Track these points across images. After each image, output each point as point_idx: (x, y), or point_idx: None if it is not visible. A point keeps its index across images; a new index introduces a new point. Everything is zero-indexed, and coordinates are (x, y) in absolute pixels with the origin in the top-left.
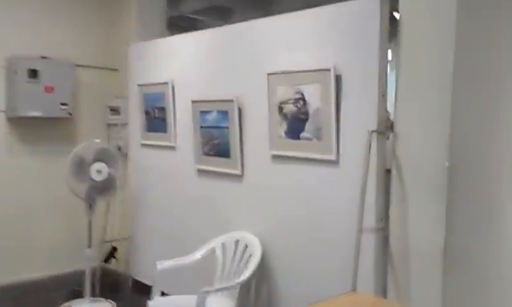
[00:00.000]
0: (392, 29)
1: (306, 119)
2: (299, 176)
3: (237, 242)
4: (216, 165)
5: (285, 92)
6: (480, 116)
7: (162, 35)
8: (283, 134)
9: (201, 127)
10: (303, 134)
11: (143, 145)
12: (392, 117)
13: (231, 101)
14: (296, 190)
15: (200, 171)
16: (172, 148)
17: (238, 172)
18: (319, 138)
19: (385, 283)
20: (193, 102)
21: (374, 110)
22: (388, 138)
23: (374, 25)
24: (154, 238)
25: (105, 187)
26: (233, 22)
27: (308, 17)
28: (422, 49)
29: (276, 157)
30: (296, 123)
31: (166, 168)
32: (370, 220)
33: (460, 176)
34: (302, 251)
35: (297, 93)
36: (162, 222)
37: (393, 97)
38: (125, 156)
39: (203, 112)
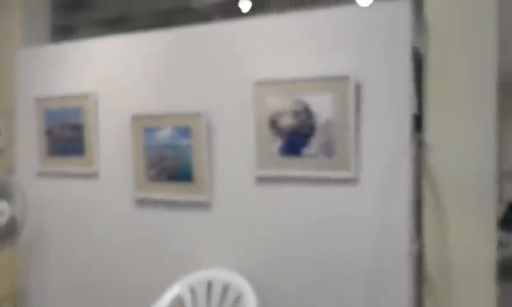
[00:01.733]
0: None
1: (311, 134)
2: (301, 199)
3: (209, 283)
4: (169, 191)
5: (279, 103)
6: None
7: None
8: (275, 151)
9: (147, 147)
10: (305, 150)
11: (42, 174)
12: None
13: (197, 115)
14: (295, 217)
15: (141, 202)
16: (92, 175)
17: (205, 198)
18: (329, 154)
19: None
20: (134, 117)
21: (405, 120)
22: (421, 150)
23: (403, 28)
24: (59, 301)
25: (7, 233)
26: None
27: (315, 19)
28: (459, 54)
29: (263, 179)
30: (296, 138)
31: (81, 201)
32: (402, 241)
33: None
34: (307, 292)
35: (297, 103)
36: (73, 278)
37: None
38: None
39: (150, 130)
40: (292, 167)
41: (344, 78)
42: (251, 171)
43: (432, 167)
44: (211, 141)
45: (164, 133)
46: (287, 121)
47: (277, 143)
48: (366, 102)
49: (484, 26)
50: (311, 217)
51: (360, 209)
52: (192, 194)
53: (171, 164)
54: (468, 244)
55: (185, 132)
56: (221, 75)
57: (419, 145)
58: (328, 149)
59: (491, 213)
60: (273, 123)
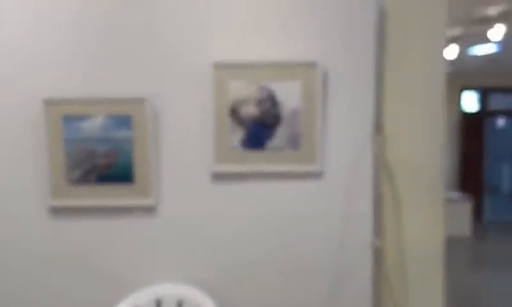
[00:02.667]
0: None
1: (276, 124)
2: (264, 196)
3: (158, 301)
4: (100, 196)
5: (242, 90)
6: None
7: None
8: (236, 144)
9: (67, 141)
10: (269, 143)
11: None
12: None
13: (140, 101)
14: (257, 216)
15: (59, 211)
16: None
17: (149, 201)
18: (295, 146)
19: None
20: (47, 102)
21: (368, 111)
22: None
23: (369, 13)
24: None
25: None
26: None
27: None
28: (412, 45)
29: (222, 176)
30: (260, 129)
31: None
32: (365, 235)
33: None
34: (271, 294)
35: (262, 90)
36: None
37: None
38: None
39: (72, 118)
40: (255, 162)
41: (311, 65)
42: (207, 167)
43: (389, 158)
44: (158, 132)
45: (94, 123)
46: (250, 110)
47: (238, 135)
48: (331, 91)
49: (434, 19)
50: (274, 215)
51: (324, 204)
52: (133, 197)
53: (104, 162)
54: (419, 234)
55: (123, 121)
56: (173, 53)
57: (379, 136)
58: (294, 141)
59: (440, 202)
60: (234, 112)
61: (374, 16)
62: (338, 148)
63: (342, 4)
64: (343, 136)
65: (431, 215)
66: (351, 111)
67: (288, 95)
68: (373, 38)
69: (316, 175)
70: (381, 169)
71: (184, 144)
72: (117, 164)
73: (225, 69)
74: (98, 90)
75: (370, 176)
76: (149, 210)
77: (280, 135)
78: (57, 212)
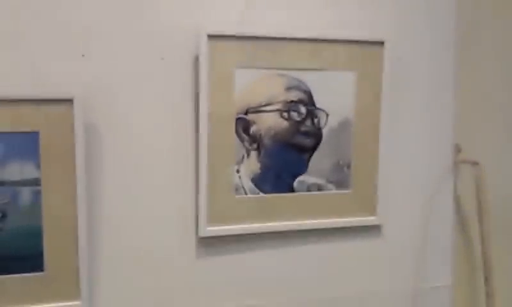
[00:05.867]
0: None
1: (313, 147)
2: (290, 272)
3: None
4: None
5: (257, 85)
6: None
7: None
8: (247, 184)
9: None
10: (302, 180)
11: None
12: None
13: (66, 101)
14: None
15: None
16: None
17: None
18: (342, 184)
19: None
20: None
21: (447, 126)
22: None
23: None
24: None
25: None
26: None
27: None
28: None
29: (218, 241)
30: (287, 155)
31: None
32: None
33: None
34: None
35: (290, 87)
36: None
37: None
38: None
39: None
40: (277, 214)
41: (376, 46)
42: (189, 232)
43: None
44: (99, 162)
45: None
46: (272, 122)
47: (249, 167)
48: (403, 93)
49: None
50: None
51: (389, 277)
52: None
53: None
54: None
55: (25, 144)
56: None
57: (474, 168)
58: (342, 176)
59: None
60: (245, 127)
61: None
62: (411, 186)
63: None
64: (417, 166)
65: None
66: (427, 126)
67: (334, 96)
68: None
69: (374, 230)
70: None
71: (149, 186)
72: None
73: (228, 48)
74: None
75: (450, 229)
76: None
77: (318, 165)
78: None
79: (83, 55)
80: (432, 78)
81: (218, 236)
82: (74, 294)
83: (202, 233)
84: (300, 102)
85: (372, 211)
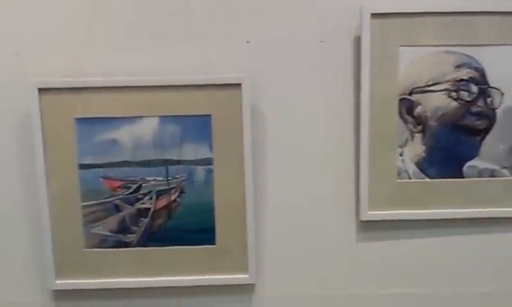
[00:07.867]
0: None
1: (485, 130)
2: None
3: None
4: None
5: (424, 64)
6: None
7: None
8: (412, 168)
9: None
10: (473, 164)
11: None
12: None
13: (235, 85)
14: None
15: None
16: None
17: (250, 280)
18: None
19: None
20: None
21: None
22: None
23: None
24: None
25: None
26: None
27: None
28: None
29: (376, 226)
30: (456, 138)
31: None
32: None
33: None
34: None
35: (462, 67)
36: None
37: None
38: None
39: (90, 121)
40: (444, 200)
41: None
42: (349, 215)
43: None
44: (262, 146)
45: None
46: (440, 102)
47: (416, 149)
48: None
49: None
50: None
51: None
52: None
53: (159, 205)
54: None
55: (199, 126)
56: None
57: None
58: None
59: None
60: (409, 108)
61: None
62: None
63: None
64: None
65: None
66: None
67: (511, 74)
68: None
69: None
70: None
71: (294, 166)
72: (180, 213)
73: (392, 26)
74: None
75: None
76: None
77: (491, 148)
78: None
79: (248, 42)
80: None
81: (379, 220)
82: (242, 268)
83: (363, 217)
84: (471, 80)
85: None
